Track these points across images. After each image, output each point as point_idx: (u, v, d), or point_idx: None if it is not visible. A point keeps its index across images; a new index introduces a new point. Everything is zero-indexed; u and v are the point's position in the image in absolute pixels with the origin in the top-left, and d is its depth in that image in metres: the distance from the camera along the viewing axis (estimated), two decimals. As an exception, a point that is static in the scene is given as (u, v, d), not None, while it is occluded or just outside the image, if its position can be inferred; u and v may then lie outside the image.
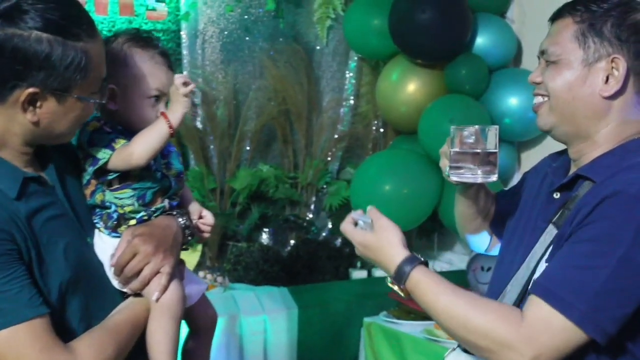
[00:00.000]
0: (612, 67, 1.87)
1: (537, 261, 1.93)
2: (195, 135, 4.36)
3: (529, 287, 1.84)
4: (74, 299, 1.81)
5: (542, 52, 1.96)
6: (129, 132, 1.97)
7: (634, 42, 1.87)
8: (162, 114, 1.92)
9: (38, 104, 1.74)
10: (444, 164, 2.02)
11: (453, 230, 3.81)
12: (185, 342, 2.18)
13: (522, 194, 2.19)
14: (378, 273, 4.41)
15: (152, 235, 1.92)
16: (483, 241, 2.36)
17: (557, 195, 1.97)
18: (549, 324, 1.73)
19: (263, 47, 4.58)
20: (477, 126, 1.94)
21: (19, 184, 1.76)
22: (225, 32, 4.50)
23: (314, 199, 4.64)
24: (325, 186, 4.64)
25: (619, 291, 1.73)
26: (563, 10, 1.94)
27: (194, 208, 2.15)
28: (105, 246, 1.93)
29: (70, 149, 2.01)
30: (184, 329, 2.16)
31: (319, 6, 4.62)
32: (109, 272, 1.91)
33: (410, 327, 3.68)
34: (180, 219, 2.02)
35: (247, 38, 4.55)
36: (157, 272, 1.91)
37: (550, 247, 1.90)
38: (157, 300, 1.90)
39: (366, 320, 3.91)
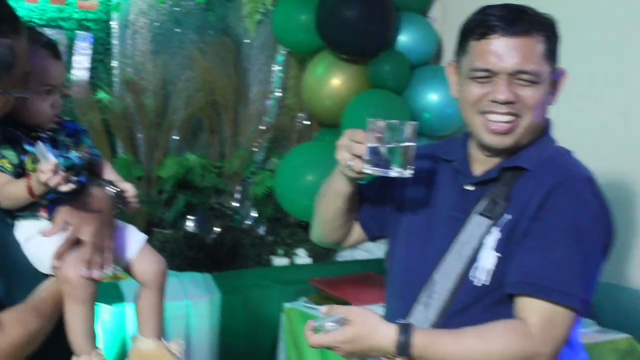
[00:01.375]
0: (562, 80, 1.96)
1: (472, 251, 1.94)
2: (123, 124, 4.34)
3: (509, 288, 1.87)
4: None
5: (518, 72, 1.90)
6: (20, 135, 1.93)
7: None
8: (29, 176, 1.87)
9: None
10: (344, 156, 1.94)
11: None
12: (136, 296, 2.12)
13: (401, 186, 2.15)
14: (299, 260, 4.48)
15: (87, 218, 1.91)
16: (340, 236, 2.27)
17: (471, 188, 2.00)
18: (555, 319, 1.82)
19: (192, 39, 4.57)
20: (395, 120, 1.92)
21: None
22: (156, 24, 4.47)
23: (239, 188, 4.65)
24: (250, 176, 4.66)
25: (593, 269, 1.87)
26: (528, 27, 1.90)
27: (113, 179, 2.11)
28: (23, 226, 1.92)
29: None
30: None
31: (249, 1, 4.59)
32: (29, 253, 1.91)
33: None
34: (109, 189, 2.01)
35: (177, 30, 4.54)
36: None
37: (493, 237, 1.92)
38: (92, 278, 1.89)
39: (286, 305, 3.92)
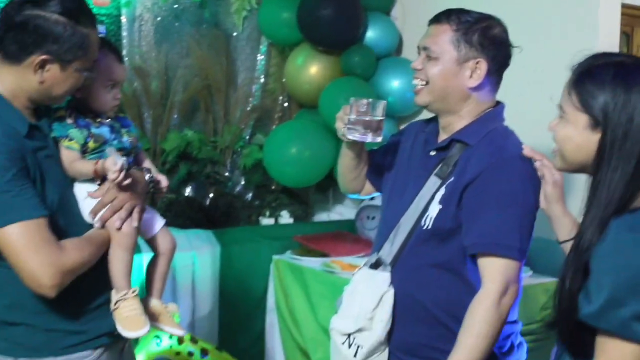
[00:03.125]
0: (476, 67, 2.15)
1: (426, 202, 2.18)
2: (133, 103, 4.41)
3: (468, 250, 2.09)
4: (59, 217, 1.99)
5: (424, 48, 2.19)
6: (88, 118, 2.13)
7: (492, 49, 2.15)
8: (97, 161, 2.06)
9: (47, 68, 1.96)
10: (340, 125, 2.21)
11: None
12: (149, 263, 2.33)
13: (394, 151, 2.39)
14: (283, 221, 4.61)
15: (125, 189, 2.10)
16: (357, 187, 2.54)
17: (433, 153, 2.26)
18: (504, 268, 2.04)
19: (190, 31, 4.62)
20: (370, 99, 2.15)
21: (27, 127, 1.98)
22: (159, 18, 4.54)
23: (230, 159, 4.71)
24: (240, 149, 4.72)
25: (526, 224, 2.08)
26: (441, 17, 2.19)
27: (153, 168, 2.30)
28: (80, 188, 2.12)
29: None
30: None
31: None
32: (82, 207, 2.10)
33: (310, 263, 3.84)
34: (147, 174, 2.22)
35: (176, 24, 4.60)
36: (123, 209, 2.09)
37: (440, 193, 2.16)
38: (119, 228, 2.07)
39: (275, 257, 4.06)
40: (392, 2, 4.61)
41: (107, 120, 2.20)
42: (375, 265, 2.28)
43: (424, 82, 2.21)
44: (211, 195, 4.58)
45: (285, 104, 4.88)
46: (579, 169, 1.76)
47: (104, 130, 2.16)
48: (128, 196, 2.10)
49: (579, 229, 1.69)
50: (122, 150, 2.16)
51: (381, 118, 2.17)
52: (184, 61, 4.63)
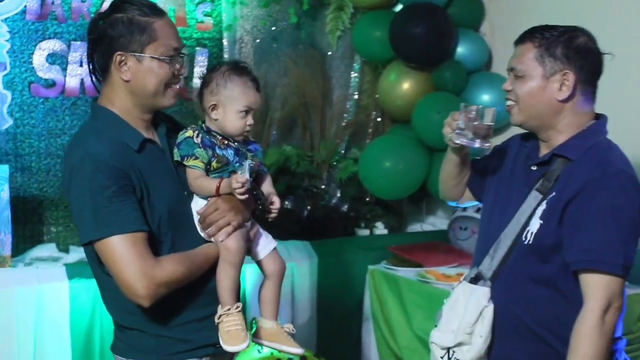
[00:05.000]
0: (564, 79, 2.09)
1: (527, 217, 2.12)
2: None
3: (571, 266, 2.00)
4: (168, 231, 2.05)
5: (512, 69, 2.15)
6: (215, 139, 2.14)
7: (578, 59, 2.09)
8: (221, 179, 2.09)
9: (126, 64, 2.01)
10: (447, 131, 2.17)
11: (437, 198, 3.87)
12: (260, 286, 2.31)
13: (497, 162, 2.33)
14: (378, 232, 4.55)
15: (230, 198, 2.11)
16: (457, 195, 2.49)
17: (534, 168, 2.19)
18: (608, 285, 1.96)
19: (287, 52, 4.64)
20: (480, 105, 2.12)
21: (139, 142, 2.03)
22: (257, 40, 4.57)
23: (326, 173, 4.71)
24: (335, 163, 4.69)
25: (631, 241, 2.00)
26: (525, 37, 2.15)
27: (268, 190, 2.30)
28: (197, 204, 2.15)
29: (178, 127, 2.25)
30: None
31: (331, 20, 4.68)
32: (197, 222, 2.13)
33: (405, 272, 3.80)
34: (254, 192, 2.21)
35: (274, 45, 4.63)
36: (229, 224, 2.11)
37: (541, 208, 2.09)
38: (222, 241, 2.07)
39: (370, 267, 4.02)
40: (481, 18, 4.53)
41: (235, 144, 2.18)
42: (475, 280, 2.22)
43: (514, 102, 2.15)
44: (309, 207, 4.58)
45: (379, 119, 4.84)
46: None
47: (229, 153, 2.16)
48: (232, 213, 2.09)
49: None
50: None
51: (490, 124, 2.12)
52: (282, 80, 4.65)
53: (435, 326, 2.30)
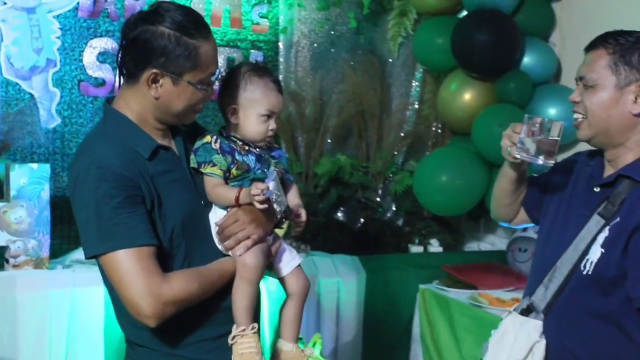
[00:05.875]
0: None
1: (586, 244, 1.93)
2: (287, 128, 4.38)
3: (635, 302, 1.84)
4: (181, 243, 1.92)
5: (581, 78, 1.97)
6: (234, 144, 2.01)
7: None
8: (241, 188, 1.96)
9: (159, 82, 1.87)
10: (507, 143, 1.98)
11: (497, 216, 3.78)
12: (282, 304, 2.18)
13: (557, 181, 2.16)
14: (432, 249, 4.39)
15: (251, 210, 1.97)
16: (510, 215, 2.31)
17: (597, 189, 2.00)
18: None
19: (345, 57, 4.57)
20: (545, 117, 1.94)
21: (151, 149, 1.90)
22: (315, 45, 4.51)
23: (381, 185, 4.60)
24: (391, 175, 4.59)
25: None
26: (597, 42, 1.97)
27: (294, 202, 2.16)
28: (216, 214, 2.01)
29: (198, 131, 2.11)
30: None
31: (393, 26, 4.60)
32: (214, 234, 1.99)
33: (457, 294, 3.66)
34: (279, 207, 2.04)
35: (332, 50, 4.56)
36: (249, 238, 1.96)
37: (603, 235, 1.91)
38: (240, 255, 1.93)
39: (421, 286, 3.89)
40: (551, 27, 4.32)
41: (257, 150, 2.07)
42: (527, 311, 2.04)
43: (583, 115, 1.97)
44: (361, 220, 4.46)
45: (439, 131, 4.71)
46: None
47: (250, 159, 2.04)
48: (253, 226, 1.96)
49: None
50: (262, 180, 2.01)
51: (557, 139, 1.92)
52: (338, 87, 4.59)
53: (481, 359, 2.15)
